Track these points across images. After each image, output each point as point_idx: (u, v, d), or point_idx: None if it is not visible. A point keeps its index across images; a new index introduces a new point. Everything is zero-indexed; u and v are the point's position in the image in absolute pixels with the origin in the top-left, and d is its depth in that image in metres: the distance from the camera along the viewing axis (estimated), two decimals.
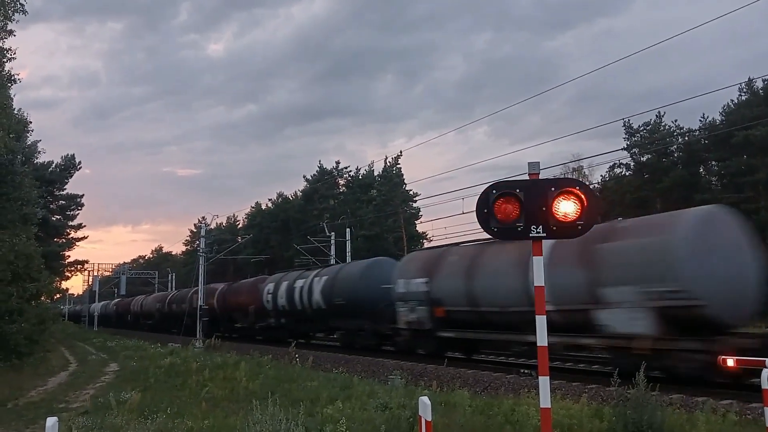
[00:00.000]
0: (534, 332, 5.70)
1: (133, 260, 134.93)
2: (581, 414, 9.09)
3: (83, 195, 51.38)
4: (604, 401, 11.32)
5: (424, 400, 5.66)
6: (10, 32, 18.33)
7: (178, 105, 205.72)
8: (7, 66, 20.49)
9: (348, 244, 42.49)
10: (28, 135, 31.28)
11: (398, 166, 65.39)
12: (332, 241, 43.44)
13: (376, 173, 66.19)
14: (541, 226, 5.65)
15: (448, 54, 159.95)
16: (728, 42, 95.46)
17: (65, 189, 48.70)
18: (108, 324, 68.93)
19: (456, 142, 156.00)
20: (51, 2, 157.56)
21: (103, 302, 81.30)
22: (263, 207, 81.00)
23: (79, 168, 48.50)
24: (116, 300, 76.92)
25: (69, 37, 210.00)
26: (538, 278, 5.73)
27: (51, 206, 46.38)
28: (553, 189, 5.68)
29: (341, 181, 70.09)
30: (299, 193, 72.10)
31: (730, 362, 11.10)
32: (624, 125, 50.09)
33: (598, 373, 15.72)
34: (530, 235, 5.67)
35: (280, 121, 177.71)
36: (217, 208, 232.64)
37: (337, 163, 71.12)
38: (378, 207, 59.34)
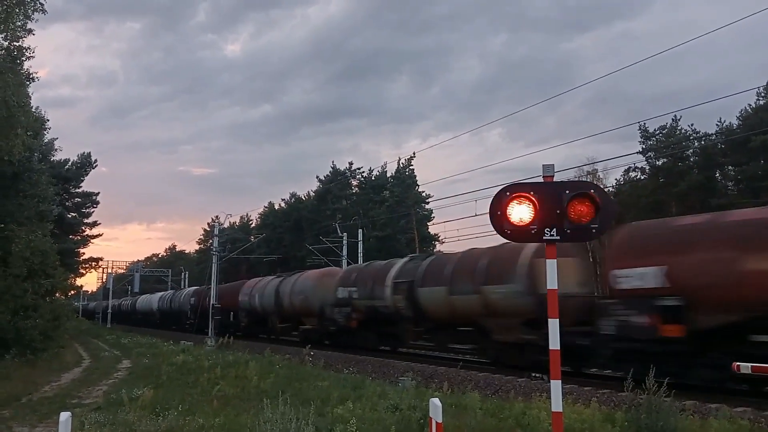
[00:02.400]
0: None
1: (147, 258, 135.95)
2: (593, 418, 9.03)
3: (99, 193, 51.88)
4: (616, 406, 11.24)
5: (435, 402, 5.66)
6: (30, 31, 18.51)
7: (194, 104, 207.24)
8: (26, 65, 20.72)
9: (360, 244, 42.52)
10: (45, 133, 31.64)
11: (411, 167, 65.43)
12: (344, 242, 43.48)
13: (389, 174, 66.22)
14: (555, 229, 5.62)
15: (464, 55, 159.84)
16: (747, 45, 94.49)
17: (81, 187, 49.18)
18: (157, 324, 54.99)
19: (470, 143, 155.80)
20: (71, 2, 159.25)
21: (162, 294, 60.79)
22: (276, 207, 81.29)
23: (95, 166, 49.02)
24: (190, 290, 51.31)
25: (88, 36, 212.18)
26: (552, 281, 5.70)
27: (67, 203, 46.85)
28: (567, 192, 5.64)
29: (354, 182, 70.16)
30: (312, 194, 72.28)
31: (746, 369, 10.96)
32: (640, 129, 49.71)
33: (610, 378, 15.61)
34: (544, 238, 5.64)
35: (296, 122, 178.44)
36: (231, 207, 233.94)
37: (350, 163, 71.26)
38: (390, 208, 59.28)
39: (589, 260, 20.94)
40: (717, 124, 47.21)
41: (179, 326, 47.39)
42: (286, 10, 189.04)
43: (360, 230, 43.78)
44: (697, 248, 12.27)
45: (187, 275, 78.56)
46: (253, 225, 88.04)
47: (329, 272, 29.88)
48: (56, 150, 38.84)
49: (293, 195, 77.55)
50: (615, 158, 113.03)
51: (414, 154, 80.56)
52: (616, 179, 54.14)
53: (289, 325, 31.63)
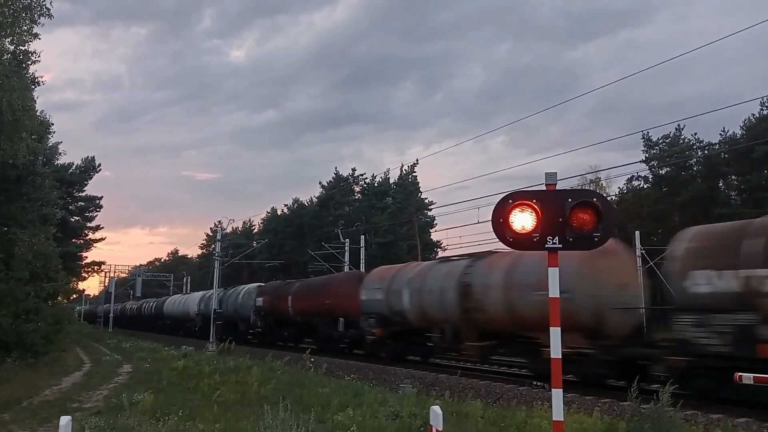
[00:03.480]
0: None
1: (149, 262, 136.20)
2: (594, 428, 9.00)
3: (102, 197, 52.15)
4: (618, 415, 11.19)
5: (436, 410, 5.65)
6: (35, 35, 18.59)
7: (199, 110, 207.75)
8: (32, 68, 20.82)
9: (362, 251, 42.51)
10: (49, 137, 31.72)
11: (414, 174, 65.49)
12: (346, 248, 43.48)
13: (391, 181, 66.27)
14: (557, 237, 5.61)
15: (469, 63, 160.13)
16: (753, 55, 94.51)
17: (84, 191, 49.42)
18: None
19: (474, 151, 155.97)
20: (78, 7, 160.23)
21: (204, 293, 45.06)
22: (279, 212, 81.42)
23: (99, 170, 49.25)
24: (250, 287, 37.93)
25: (94, 41, 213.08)
26: (554, 290, 5.69)
27: (70, 207, 46.99)
28: (570, 200, 5.64)
29: (357, 188, 70.26)
30: (315, 200, 72.37)
31: (748, 379, 10.91)
32: (643, 137, 49.79)
33: (612, 388, 15.54)
34: (546, 246, 5.64)
35: (300, 128, 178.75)
36: (234, 212, 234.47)
37: (353, 170, 71.41)
38: (393, 215, 59.30)
39: None
40: (720, 134, 47.34)
41: (234, 336, 33.23)
42: (292, 16, 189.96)
43: (362, 236, 43.78)
44: None
45: (189, 280, 78.65)
46: (255, 230, 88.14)
47: (613, 249, 15.08)
48: (60, 154, 38.99)
49: (296, 201, 77.78)
50: (618, 167, 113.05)
51: (417, 160, 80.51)
52: (619, 188, 54.20)
53: (495, 342, 18.33)
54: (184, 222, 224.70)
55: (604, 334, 14.80)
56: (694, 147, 49.24)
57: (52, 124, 29.97)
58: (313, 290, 30.06)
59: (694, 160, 48.71)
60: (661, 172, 49.71)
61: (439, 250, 60.49)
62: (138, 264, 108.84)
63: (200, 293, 47.43)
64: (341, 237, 44.69)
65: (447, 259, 23.28)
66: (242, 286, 39.94)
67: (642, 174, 50.64)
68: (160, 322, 54.91)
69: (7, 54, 18.41)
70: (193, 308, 46.08)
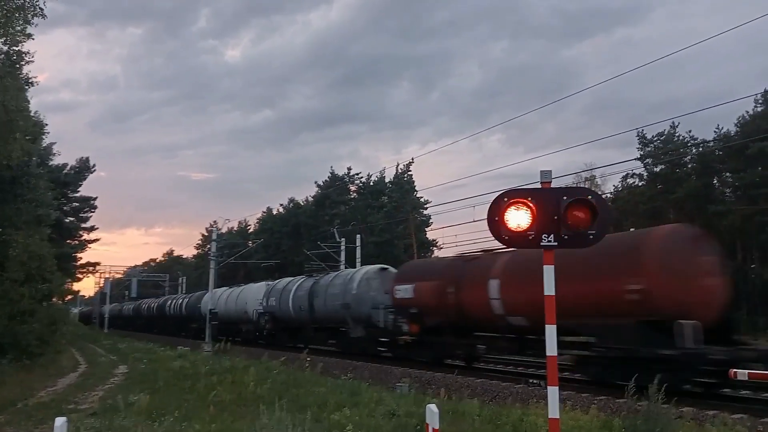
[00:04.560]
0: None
1: (145, 263, 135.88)
2: (590, 425, 9.02)
3: (96, 197, 52.04)
4: (614, 413, 11.22)
5: (432, 408, 5.66)
6: (29, 36, 18.51)
7: (195, 110, 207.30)
8: (25, 69, 20.74)
9: (358, 250, 42.48)
10: (43, 137, 31.60)
11: (410, 173, 65.48)
12: (342, 247, 43.46)
13: (387, 180, 66.26)
14: (552, 235, 5.61)
15: (465, 62, 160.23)
16: (747, 52, 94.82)
17: (79, 191, 49.28)
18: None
19: (469, 149, 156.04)
20: (73, 7, 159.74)
21: (274, 285, 33.55)
22: (275, 212, 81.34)
23: (93, 171, 49.21)
24: (371, 270, 25.45)
25: (89, 41, 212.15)
26: (549, 287, 5.70)
27: (64, 208, 46.81)
28: (565, 198, 5.65)
29: (352, 188, 70.23)
30: (311, 199, 72.31)
31: (743, 375, 10.94)
32: (638, 135, 49.87)
33: (608, 385, 15.57)
34: (541, 244, 5.64)
35: (296, 127, 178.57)
36: (230, 212, 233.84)
37: (349, 169, 71.39)
38: (389, 214, 59.27)
39: None
40: (715, 131, 47.44)
41: (344, 347, 24.79)
42: (288, 15, 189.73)
43: (358, 236, 43.75)
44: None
45: (184, 280, 78.48)
46: (251, 230, 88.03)
47: None
48: (55, 154, 38.91)
49: (292, 200, 77.69)
50: (613, 165, 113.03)
51: (412, 159, 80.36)
52: (614, 185, 54.33)
53: None
54: (180, 222, 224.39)
55: None
56: (689, 144, 49.38)
57: (47, 125, 29.92)
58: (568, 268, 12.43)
59: (689, 157, 48.84)
60: (656, 169, 49.82)
61: (434, 248, 60.59)
62: (133, 264, 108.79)
63: (262, 284, 35.39)
64: (337, 236, 44.65)
65: None
66: (346, 270, 29.23)
67: (637, 172, 50.83)
68: (194, 325, 43.37)
69: (1, 54, 18.34)
70: (254, 305, 33.84)
